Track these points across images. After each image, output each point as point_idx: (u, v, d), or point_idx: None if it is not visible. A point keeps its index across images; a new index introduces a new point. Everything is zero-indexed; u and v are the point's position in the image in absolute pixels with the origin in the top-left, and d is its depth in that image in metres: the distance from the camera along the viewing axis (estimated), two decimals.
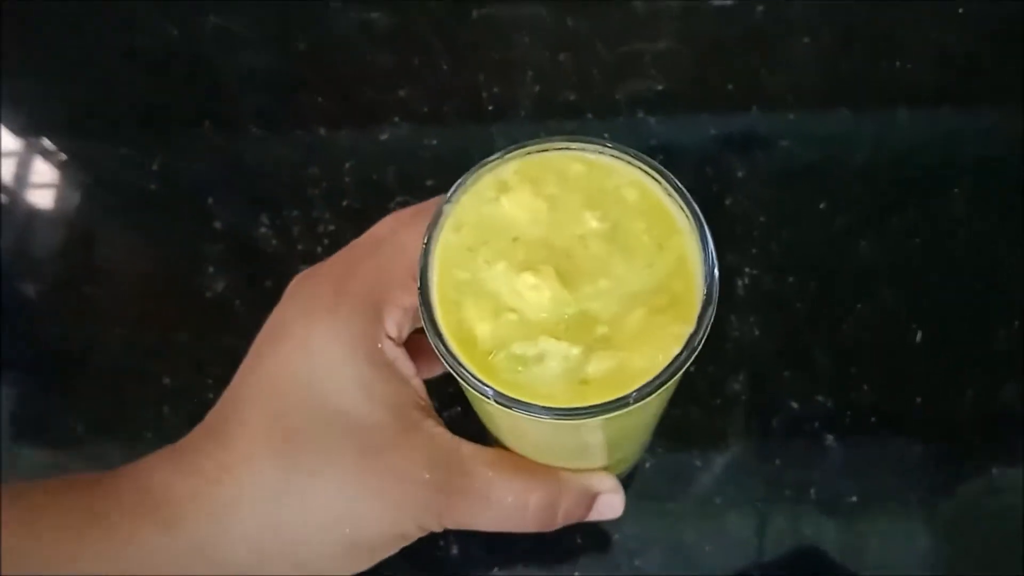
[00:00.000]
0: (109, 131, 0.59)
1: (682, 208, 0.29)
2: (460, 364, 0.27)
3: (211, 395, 0.51)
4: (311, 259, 0.54)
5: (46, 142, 0.60)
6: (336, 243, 0.54)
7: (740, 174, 0.54)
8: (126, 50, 0.61)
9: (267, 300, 0.53)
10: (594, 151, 0.30)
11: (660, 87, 0.57)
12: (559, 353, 0.27)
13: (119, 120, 0.59)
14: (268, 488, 0.29)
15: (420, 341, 0.31)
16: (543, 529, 0.32)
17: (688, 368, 0.27)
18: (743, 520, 0.47)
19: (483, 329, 0.28)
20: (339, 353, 0.30)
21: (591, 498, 0.34)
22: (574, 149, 0.30)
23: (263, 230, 0.55)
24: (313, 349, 0.30)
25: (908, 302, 0.51)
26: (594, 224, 0.30)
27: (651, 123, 0.56)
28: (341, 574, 0.31)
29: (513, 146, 0.30)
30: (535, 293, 0.28)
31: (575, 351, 0.27)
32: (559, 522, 0.32)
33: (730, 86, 0.57)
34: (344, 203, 0.55)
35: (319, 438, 0.29)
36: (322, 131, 0.57)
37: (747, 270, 0.52)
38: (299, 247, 0.55)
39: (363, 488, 0.29)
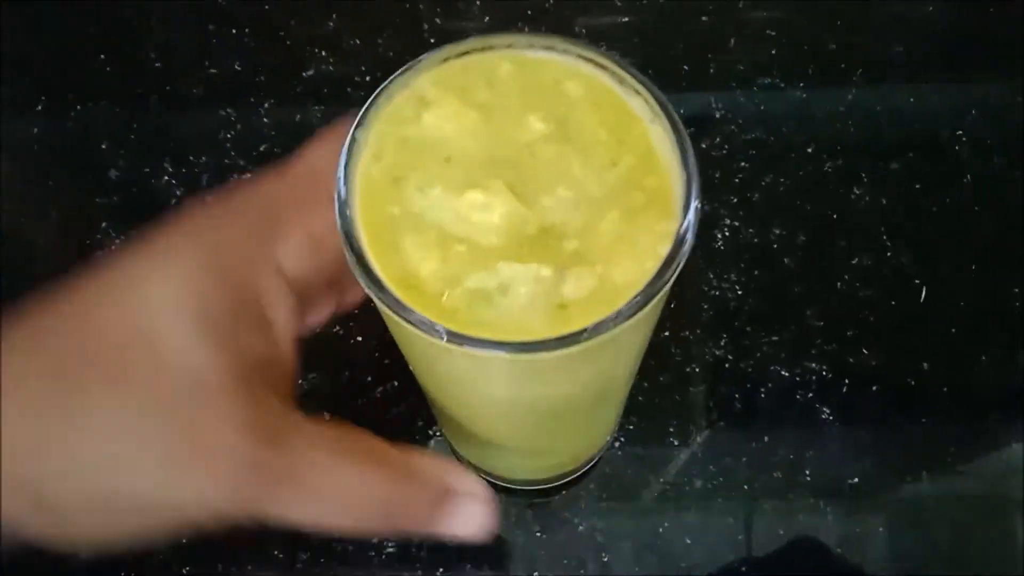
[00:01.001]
0: None
1: (638, 93, 0.25)
2: (407, 311, 0.22)
3: None
4: None
5: None
6: None
7: (717, 114, 0.48)
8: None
9: None
10: (524, 45, 0.26)
11: (625, 19, 0.51)
12: (527, 277, 0.22)
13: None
14: (31, 405, 0.22)
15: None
16: (378, 533, 0.26)
17: (677, 273, 0.22)
18: (727, 508, 0.40)
19: (429, 268, 0.23)
20: (190, 273, 0.22)
21: (444, 499, 0.25)
22: (499, 47, 0.26)
23: (166, 179, 0.47)
24: (157, 266, 0.23)
25: (911, 255, 0.45)
26: (539, 127, 0.25)
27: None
28: (103, 540, 0.23)
29: (427, 53, 0.25)
30: (484, 213, 0.23)
31: (545, 272, 0.23)
32: (399, 525, 0.25)
33: (703, 17, 0.51)
34: (261, 148, 0.48)
35: (116, 368, 0.22)
36: (237, 66, 0.50)
37: (726, 221, 0.45)
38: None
39: (148, 445, 0.21)
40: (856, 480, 0.40)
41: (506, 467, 0.39)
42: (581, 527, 0.40)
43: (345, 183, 0.23)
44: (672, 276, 0.22)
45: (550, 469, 0.39)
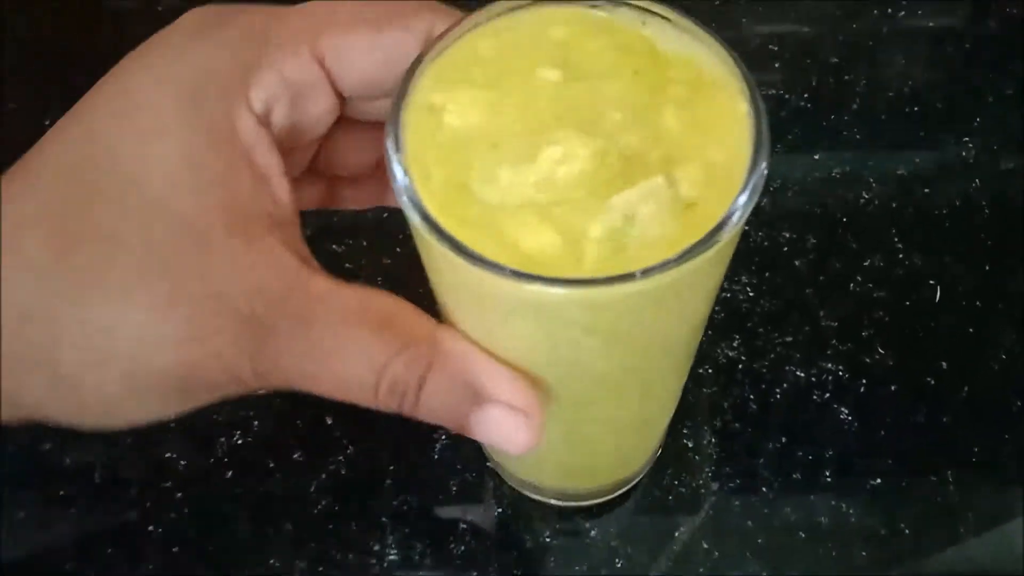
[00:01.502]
0: None
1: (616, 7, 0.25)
2: (560, 281, 0.20)
3: None
4: None
5: None
6: None
7: None
8: None
9: None
10: (493, 15, 0.25)
11: None
12: (643, 196, 0.22)
13: None
14: (33, 265, 0.20)
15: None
16: (394, 409, 0.23)
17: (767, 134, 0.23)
18: (745, 510, 0.39)
19: (545, 241, 0.22)
20: (174, 119, 0.21)
21: (470, 402, 0.23)
22: (467, 28, 0.25)
23: None
24: (140, 104, 0.21)
25: (923, 256, 0.44)
26: (551, 75, 0.24)
27: None
28: (115, 416, 0.22)
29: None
30: (568, 164, 0.22)
31: (660, 180, 0.22)
32: (419, 410, 0.23)
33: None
34: None
35: (110, 228, 0.20)
36: None
37: None
38: None
39: (152, 303, 0.20)
40: (878, 480, 0.39)
41: (547, 471, 0.38)
42: (593, 530, 0.38)
43: (419, 213, 0.22)
44: (765, 132, 0.23)
45: (596, 476, 0.38)
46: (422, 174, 0.22)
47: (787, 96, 0.49)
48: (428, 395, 0.22)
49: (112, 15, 0.55)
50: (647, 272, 0.20)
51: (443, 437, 0.40)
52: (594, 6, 0.25)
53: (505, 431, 0.23)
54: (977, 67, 0.50)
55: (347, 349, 0.21)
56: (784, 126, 0.48)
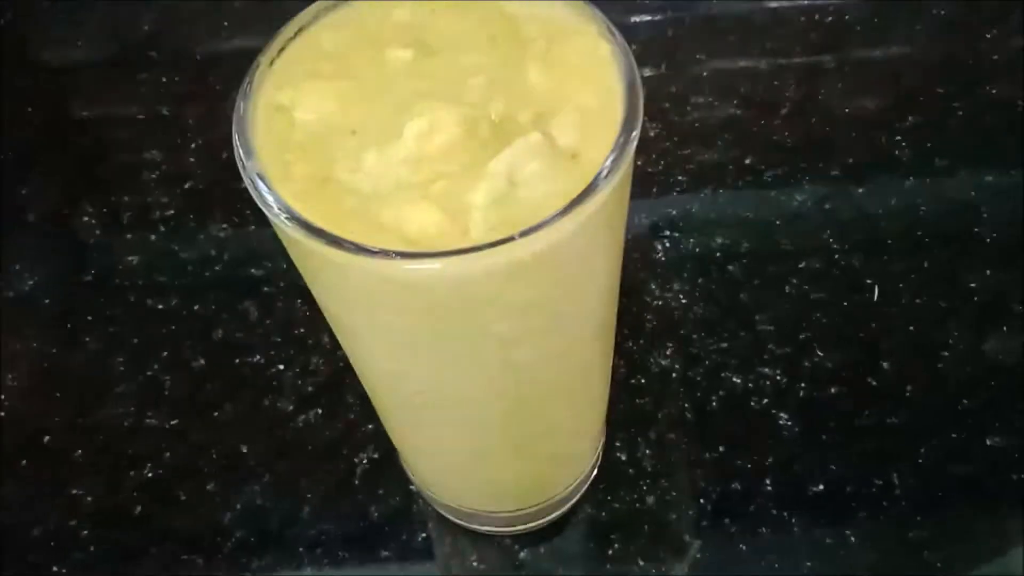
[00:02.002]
0: None
1: None
2: (452, 253, 0.19)
3: (0, 412, 0.40)
4: (143, 248, 0.44)
5: None
6: (177, 228, 0.45)
7: (652, 133, 0.47)
8: None
9: (83, 297, 0.43)
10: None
11: None
12: (523, 155, 0.20)
13: None
14: None
15: None
16: None
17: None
18: (683, 523, 0.37)
19: (430, 220, 0.20)
20: None
21: None
22: (299, 20, 0.24)
23: (85, 219, 0.45)
24: None
25: (859, 256, 0.43)
26: (402, 54, 0.23)
27: None
28: None
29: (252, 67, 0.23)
30: (437, 136, 0.21)
31: (537, 137, 0.21)
32: None
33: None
34: (186, 185, 0.46)
35: None
36: (164, 111, 0.49)
37: (666, 232, 0.44)
38: (128, 236, 0.45)
39: None
40: (821, 487, 0.37)
41: (485, 492, 0.36)
42: (524, 551, 0.36)
43: (287, 215, 0.20)
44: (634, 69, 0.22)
45: (537, 490, 0.36)
46: (281, 175, 0.21)
47: (716, 103, 0.48)
48: None
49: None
50: (539, 226, 0.19)
51: (364, 460, 0.38)
52: None
53: None
54: (913, 67, 0.50)
55: None
56: (715, 132, 0.47)
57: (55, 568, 0.36)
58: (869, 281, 0.42)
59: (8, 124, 0.49)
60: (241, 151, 0.21)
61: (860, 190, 0.45)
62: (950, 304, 0.41)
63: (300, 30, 0.23)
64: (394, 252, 0.19)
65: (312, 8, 0.23)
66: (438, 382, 0.25)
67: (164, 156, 0.47)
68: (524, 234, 0.19)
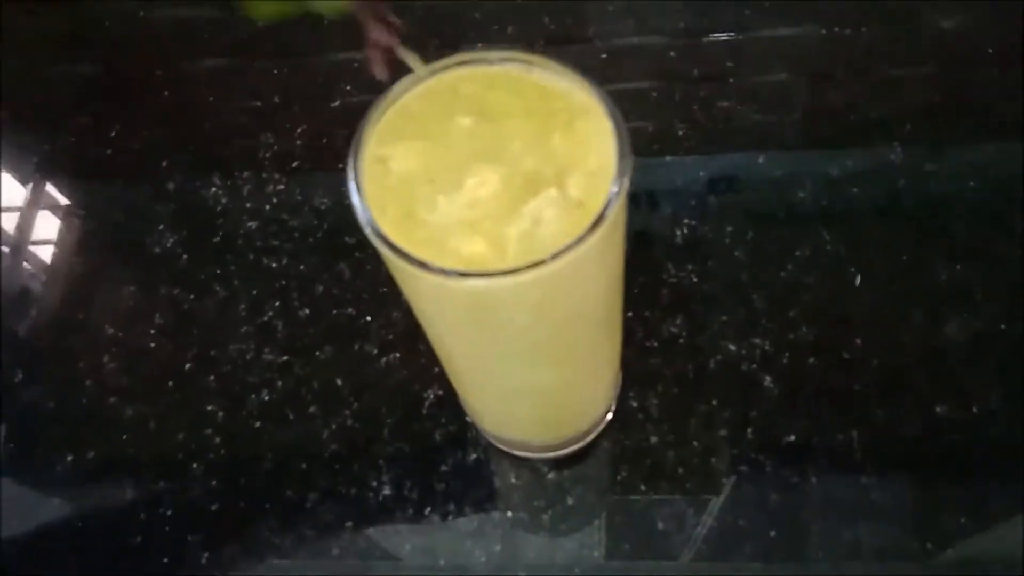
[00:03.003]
0: (70, 101, 0.61)
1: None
2: (491, 274, 0.28)
3: (152, 344, 0.52)
4: (259, 215, 0.55)
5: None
6: (284, 202, 0.55)
7: (680, 132, 0.55)
8: (83, 20, 0.64)
9: (213, 254, 0.54)
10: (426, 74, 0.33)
11: (604, 56, 0.59)
12: (545, 203, 0.29)
13: (80, 90, 0.62)
14: None
15: None
16: None
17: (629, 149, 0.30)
18: (679, 460, 0.46)
19: (480, 248, 0.29)
20: None
21: None
22: (400, 90, 0.33)
23: (214, 190, 0.56)
24: None
25: (847, 248, 0.51)
26: (466, 122, 0.32)
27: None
28: None
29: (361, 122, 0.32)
30: (485, 188, 0.30)
31: (552, 192, 0.30)
32: None
33: (672, 53, 0.58)
34: (294, 164, 0.57)
35: None
36: (276, 99, 0.59)
37: (685, 220, 0.52)
38: (248, 205, 0.56)
39: None
40: (793, 437, 0.46)
41: (512, 426, 0.46)
42: (551, 474, 0.46)
43: (382, 241, 0.29)
44: (626, 143, 0.30)
45: (567, 427, 0.46)
46: (379, 210, 0.30)
47: (739, 107, 0.56)
48: None
49: None
50: (554, 257, 0.28)
51: (430, 395, 0.49)
52: (491, 64, 0.33)
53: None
54: (910, 75, 0.56)
55: None
56: (732, 134, 0.55)
57: (194, 466, 0.48)
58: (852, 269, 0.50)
59: (147, 114, 0.60)
60: (354, 193, 0.31)
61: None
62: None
63: (396, 99, 0.32)
64: (454, 272, 0.28)
65: (405, 81, 0.33)
66: (484, 350, 0.36)
67: (275, 139, 0.58)
68: (553, 258, 0.28)
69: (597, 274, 0.33)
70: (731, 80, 0.57)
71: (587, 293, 0.34)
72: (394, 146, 0.31)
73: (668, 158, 0.55)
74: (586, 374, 0.42)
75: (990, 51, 0.57)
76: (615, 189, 0.30)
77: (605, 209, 0.29)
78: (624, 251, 0.34)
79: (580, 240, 0.29)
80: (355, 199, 0.30)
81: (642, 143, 0.55)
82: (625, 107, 0.31)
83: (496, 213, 0.30)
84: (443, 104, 0.32)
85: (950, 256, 0.50)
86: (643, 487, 0.46)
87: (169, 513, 0.47)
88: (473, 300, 0.30)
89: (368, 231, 0.30)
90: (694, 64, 0.58)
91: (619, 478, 0.46)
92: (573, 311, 0.34)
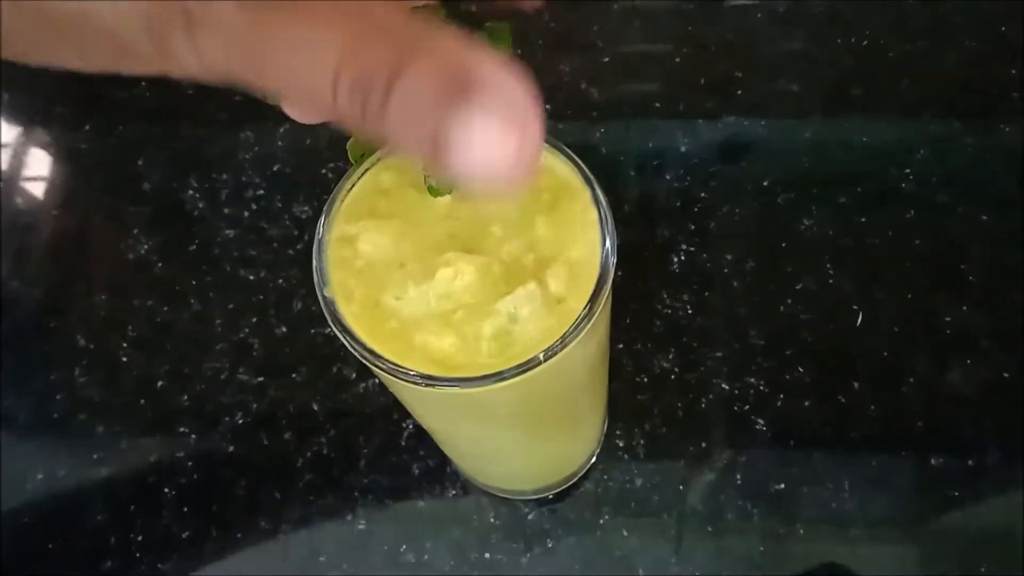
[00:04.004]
0: (44, 91, 0.58)
1: None
2: (462, 380, 0.26)
3: (124, 358, 0.50)
4: (238, 223, 0.53)
5: None
6: (265, 209, 0.53)
7: (683, 148, 0.52)
8: None
9: (189, 262, 0.52)
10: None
11: (605, 59, 0.56)
12: (522, 299, 0.27)
13: (54, 81, 0.58)
14: None
15: None
16: (354, 116, 0.17)
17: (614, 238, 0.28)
18: (663, 504, 0.45)
19: (449, 343, 0.27)
20: None
21: (457, 79, 0.16)
22: (370, 166, 0.30)
23: (191, 193, 0.54)
24: None
25: (851, 282, 0.48)
26: (444, 199, 0.29)
27: (593, 92, 0.54)
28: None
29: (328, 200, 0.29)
30: (459, 280, 0.27)
31: (531, 286, 0.27)
32: (386, 115, 0.16)
33: (677, 59, 0.55)
34: (275, 167, 0.54)
35: None
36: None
37: (683, 246, 0.50)
38: (226, 211, 0.53)
39: None
40: (782, 486, 0.45)
41: (502, 477, 0.44)
42: (530, 514, 0.45)
43: (342, 326, 0.27)
44: (611, 234, 0.28)
45: (553, 474, 0.44)
46: (345, 297, 0.28)
47: (746, 122, 0.53)
48: (401, 92, 0.16)
49: None
50: (527, 366, 0.26)
51: (409, 426, 0.47)
52: None
53: (489, 142, 0.16)
54: (926, 101, 0.53)
55: (303, 32, 0.16)
56: (737, 153, 0.52)
57: (166, 490, 0.47)
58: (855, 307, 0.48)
59: (125, 109, 0.57)
60: (318, 277, 0.28)
61: None
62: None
63: (366, 171, 0.30)
64: (421, 378, 0.26)
65: (378, 152, 0.30)
66: (462, 430, 0.34)
67: (256, 138, 0.55)
68: (503, 377, 0.26)
69: (580, 362, 0.31)
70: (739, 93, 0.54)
71: (569, 380, 0.32)
72: (361, 224, 0.29)
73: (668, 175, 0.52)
74: (572, 433, 0.40)
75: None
76: (597, 288, 0.27)
77: (588, 309, 0.27)
78: (608, 323, 0.32)
79: (561, 342, 0.26)
80: (320, 289, 0.28)
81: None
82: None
83: (470, 306, 0.27)
84: (417, 177, 0.29)
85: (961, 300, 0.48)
86: (625, 531, 0.44)
87: (140, 539, 0.46)
88: (444, 399, 0.28)
89: (332, 324, 0.28)
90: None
91: (601, 521, 0.45)
92: (555, 396, 0.32)
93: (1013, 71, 0.53)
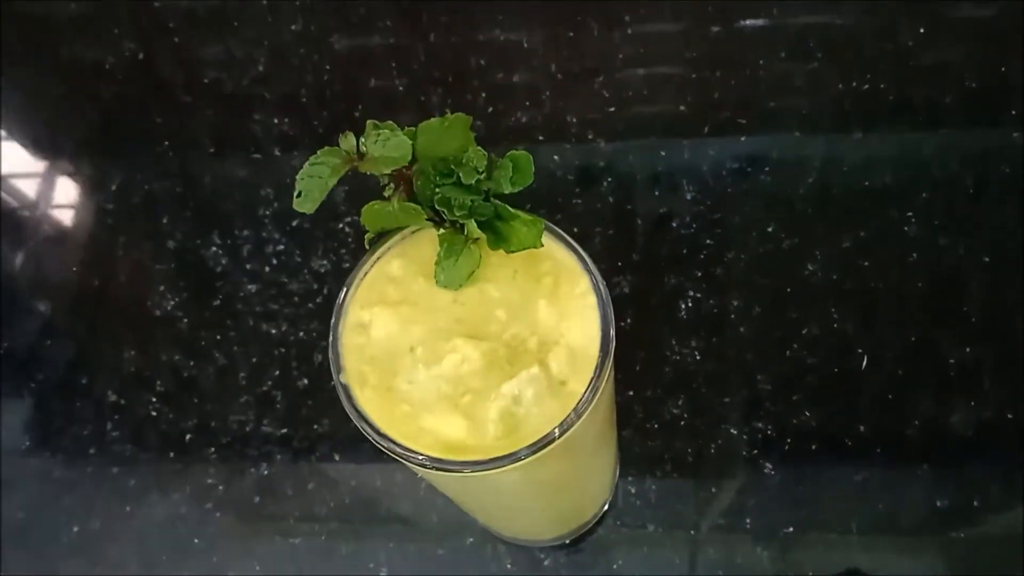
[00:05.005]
0: (69, 151, 0.61)
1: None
2: (474, 464, 0.28)
3: (153, 412, 0.52)
4: (259, 278, 0.55)
5: (7, 159, 0.61)
6: (284, 264, 0.55)
7: (688, 196, 0.54)
8: (88, 72, 0.63)
9: (213, 319, 0.54)
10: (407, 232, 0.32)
11: (611, 109, 0.57)
12: (525, 382, 0.28)
13: (79, 140, 0.61)
14: None
15: None
16: None
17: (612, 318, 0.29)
18: (675, 549, 0.46)
19: (459, 426, 0.28)
20: None
21: None
22: (381, 253, 0.32)
23: (214, 249, 0.56)
24: None
25: (855, 326, 0.49)
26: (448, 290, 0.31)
27: (600, 146, 0.56)
28: None
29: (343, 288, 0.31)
30: (466, 365, 0.29)
31: (534, 370, 0.28)
32: None
33: (682, 107, 0.57)
34: (294, 223, 0.56)
35: None
36: (276, 151, 0.58)
37: (690, 293, 0.51)
38: (248, 266, 0.55)
39: None
40: (791, 529, 0.46)
41: (516, 528, 0.46)
42: (546, 560, 0.47)
43: (356, 412, 0.29)
44: (609, 318, 0.29)
45: (566, 526, 0.46)
46: (359, 382, 0.30)
47: (748, 169, 0.54)
48: None
49: None
50: (534, 448, 0.28)
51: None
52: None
53: None
54: (922, 150, 0.54)
55: None
56: (743, 199, 0.53)
57: (196, 540, 0.49)
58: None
59: (148, 167, 0.59)
60: (333, 363, 0.30)
61: None
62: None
63: (378, 259, 0.31)
64: (432, 462, 0.28)
65: (386, 240, 0.32)
66: (476, 499, 0.35)
67: (275, 195, 0.57)
68: (511, 456, 0.28)
69: (586, 435, 0.32)
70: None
71: (579, 449, 0.33)
72: (372, 311, 0.31)
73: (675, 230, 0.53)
74: (584, 490, 0.42)
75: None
76: (596, 372, 0.29)
77: (589, 396, 0.28)
78: (613, 393, 0.34)
79: (564, 426, 0.28)
80: (336, 377, 0.30)
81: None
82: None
83: (477, 388, 0.29)
84: (425, 263, 0.31)
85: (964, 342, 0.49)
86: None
87: None
88: (457, 478, 0.30)
89: (347, 408, 0.29)
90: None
91: (615, 566, 0.46)
92: (566, 466, 0.34)
93: (1014, 112, 0.54)
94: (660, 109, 0.57)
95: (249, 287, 0.54)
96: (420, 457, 0.28)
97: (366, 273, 0.31)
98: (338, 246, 0.55)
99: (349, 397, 0.29)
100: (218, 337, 0.53)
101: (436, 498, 0.48)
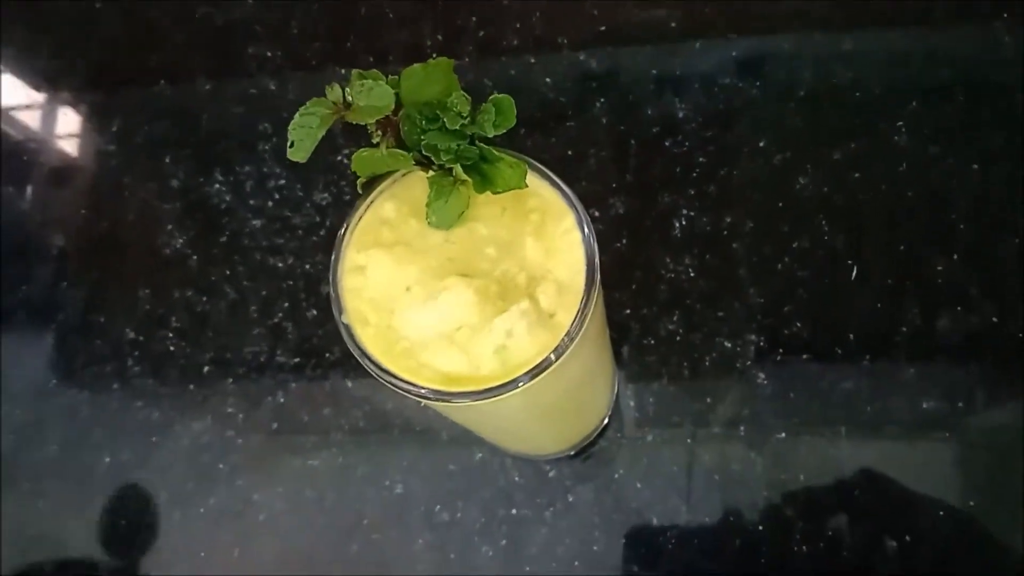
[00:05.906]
0: (70, 93, 0.61)
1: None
2: (474, 394, 0.30)
3: (171, 347, 0.54)
4: (263, 213, 0.56)
5: (11, 98, 0.62)
6: (286, 198, 0.56)
7: (680, 115, 0.54)
8: (85, 17, 0.63)
9: (222, 255, 0.56)
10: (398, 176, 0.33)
11: (602, 28, 0.57)
12: (516, 317, 0.30)
13: (80, 82, 0.61)
14: None
15: None
16: None
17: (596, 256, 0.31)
18: (673, 457, 0.48)
19: (457, 359, 0.30)
20: None
21: None
22: (374, 195, 0.33)
23: (217, 187, 0.57)
24: None
25: (845, 238, 0.51)
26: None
27: (592, 66, 0.56)
28: None
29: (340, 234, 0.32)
30: (460, 302, 0.30)
31: (523, 304, 0.30)
32: None
33: (672, 24, 0.56)
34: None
35: None
36: (272, 85, 0.59)
37: (684, 211, 0.52)
38: (251, 202, 0.56)
39: None
40: (783, 435, 0.48)
41: (529, 446, 0.48)
42: (551, 472, 0.49)
43: (359, 350, 0.31)
44: (593, 254, 0.31)
45: (568, 441, 0.48)
46: (360, 322, 0.31)
47: (740, 84, 0.54)
48: None
49: None
50: (528, 375, 0.30)
51: None
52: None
53: None
54: (912, 59, 0.54)
55: None
56: (735, 116, 0.54)
57: (220, 466, 0.51)
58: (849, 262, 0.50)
59: (146, 108, 0.60)
60: (335, 305, 0.32)
61: None
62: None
63: (371, 202, 0.33)
64: (434, 393, 0.30)
65: (378, 184, 0.33)
66: (478, 424, 0.38)
67: (273, 129, 0.58)
68: (507, 385, 0.30)
69: (578, 359, 0.34)
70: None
71: (572, 374, 0.35)
72: (368, 253, 0.32)
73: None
74: (585, 408, 0.44)
75: None
76: (583, 303, 0.30)
77: (577, 327, 0.30)
78: (603, 319, 0.35)
79: (556, 354, 0.30)
80: (338, 318, 0.31)
81: None
82: None
83: (470, 325, 0.31)
84: (417, 205, 0.32)
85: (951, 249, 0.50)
86: (638, 484, 0.48)
87: (201, 511, 0.51)
88: (458, 408, 0.32)
89: (351, 347, 0.31)
90: None
91: (616, 475, 0.49)
92: (564, 388, 0.35)
93: (1005, 15, 0.54)
94: (651, 23, 0.57)
95: (254, 223, 0.56)
96: (422, 390, 0.30)
97: (360, 217, 0.33)
98: (338, 178, 0.56)
99: (351, 336, 0.31)
100: (228, 272, 0.55)
101: (444, 419, 0.50)
